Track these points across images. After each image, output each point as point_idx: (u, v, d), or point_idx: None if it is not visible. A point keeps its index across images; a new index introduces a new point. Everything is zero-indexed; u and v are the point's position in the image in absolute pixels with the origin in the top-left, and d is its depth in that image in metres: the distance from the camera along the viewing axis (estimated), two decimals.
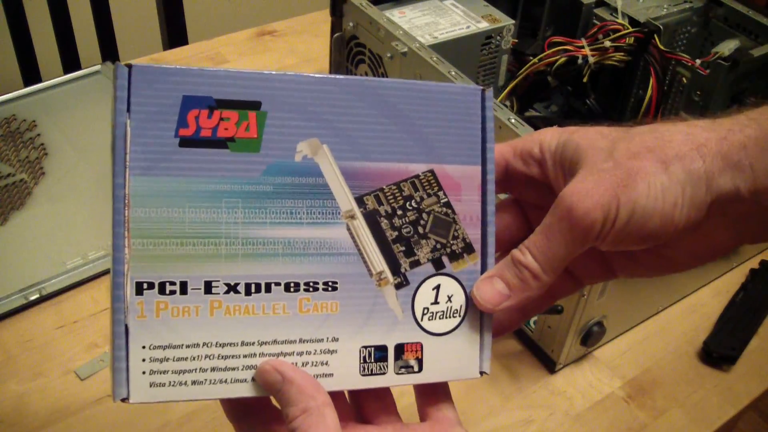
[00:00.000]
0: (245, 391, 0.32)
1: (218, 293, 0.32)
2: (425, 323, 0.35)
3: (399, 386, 0.35)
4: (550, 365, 0.59)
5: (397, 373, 0.35)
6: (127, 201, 0.31)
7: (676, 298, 0.66)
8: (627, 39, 0.65)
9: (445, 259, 0.35)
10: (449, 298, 0.35)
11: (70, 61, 1.15)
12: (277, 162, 0.33)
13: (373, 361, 0.34)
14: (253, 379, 0.32)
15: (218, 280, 0.32)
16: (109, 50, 1.16)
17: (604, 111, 0.69)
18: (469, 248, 0.36)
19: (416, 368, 0.35)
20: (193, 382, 0.32)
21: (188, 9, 1.14)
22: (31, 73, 1.13)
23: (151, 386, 0.31)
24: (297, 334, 0.33)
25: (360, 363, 0.34)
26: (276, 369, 0.32)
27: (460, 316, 0.36)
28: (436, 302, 0.35)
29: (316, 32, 0.97)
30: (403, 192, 0.35)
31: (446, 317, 0.35)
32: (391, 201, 0.35)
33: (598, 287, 0.54)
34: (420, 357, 0.35)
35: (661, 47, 0.63)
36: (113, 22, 1.15)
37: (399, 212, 0.35)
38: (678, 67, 0.65)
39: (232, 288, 0.32)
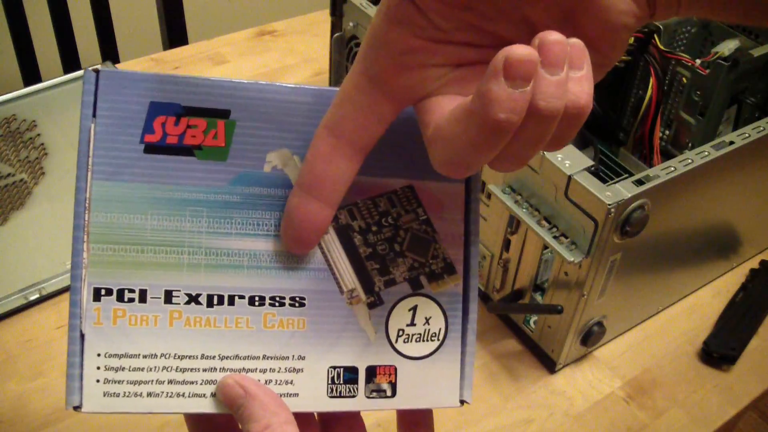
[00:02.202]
0: (204, 406, 0.31)
1: (179, 303, 0.31)
2: (400, 346, 0.33)
3: (370, 411, 0.33)
4: (550, 365, 0.59)
5: (368, 397, 0.33)
6: (87, 205, 0.30)
7: (676, 298, 0.66)
8: None
9: (423, 279, 0.34)
10: (427, 321, 0.34)
11: (70, 61, 1.15)
12: (246, 172, 0.32)
13: (342, 382, 0.33)
14: (212, 395, 0.31)
15: (179, 290, 0.31)
16: (109, 50, 1.16)
17: (604, 111, 0.69)
18: (450, 269, 0.34)
19: (389, 393, 0.33)
20: (149, 394, 0.31)
21: (188, 9, 1.14)
22: (31, 73, 1.13)
23: (104, 396, 0.30)
24: (261, 350, 0.32)
25: (328, 384, 0.33)
26: (239, 383, 0.31)
27: (438, 340, 0.34)
28: (412, 324, 0.34)
29: (316, 32, 0.97)
30: (378, 207, 0.33)
31: (423, 340, 0.34)
32: (365, 216, 0.33)
33: (598, 287, 0.54)
34: (393, 381, 0.33)
35: (661, 47, 0.63)
36: (113, 22, 1.15)
37: (374, 228, 0.33)
38: (678, 67, 0.65)
39: (193, 299, 0.31)
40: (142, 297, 0.31)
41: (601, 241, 0.50)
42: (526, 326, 0.60)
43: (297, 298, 0.32)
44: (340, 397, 0.33)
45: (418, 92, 0.29)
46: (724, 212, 0.62)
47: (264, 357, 0.32)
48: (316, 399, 0.33)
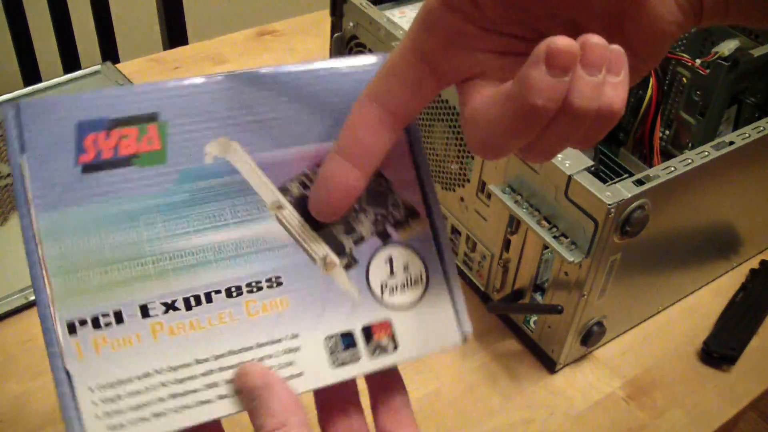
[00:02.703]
0: (214, 411, 0.30)
1: (157, 315, 0.30)
2: (387, 299, 0.33)
3: (378, 371, 0.33)
4: (550, 365, 0.59)
5: (372, 357, 0.33)
6: (38, 240, 0.30)
7: (676, 298, 0.66)
8: None
9: (389, 228, 0.34)
10: (406, 268, 0.34)
11: (70, 61, 1.15)
12: (188, 168, 0.31)
13: (342, 349, 0.32)
14: (219, 397, 0.31)
15: (154, 301, 0.30)
16: (109, 50, 1.16)
17: None
18: (412, 213, 0.34)
19: (391, 347, 0.33)
20: (155, 415, 0.30)
21: (188, 9, 1.14)
22: (31, 73, 1.13)
23: (109, 430, 0.29)
24: (252, 339, 0.31)
25: (328, 355, 0.32)
26: (261, 374, 0.30)
27: (422, 283, 0.34)
28: (392, 275, 0.34)
29: (316, 32, 0.97)
30: None
31: (408, 288, 0.34)
32: None
33: (598, 287, 0.54)
34: (392, 335, 0.33)
35: None
36: (113, 22, 1.15)
37: None
38: (678, 67, 0.65)
39: (170, 306, 0.31)
40: (119, 318, 0.30)
41: (601, 241, 0.50)
42: (526, 326, 0.60)
43: (273, 279, 0.32)
44: (345, 364, 0.33)
45: (462, 73, 0.30)
46: (724, 212, 0.62)
47: (257, 345, 0.32)
48: (321, 373, 0.32)
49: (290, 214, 0.33)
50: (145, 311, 0.30)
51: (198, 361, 0.31)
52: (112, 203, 0.31)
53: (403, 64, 0.31)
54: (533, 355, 0.60)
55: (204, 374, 0.31)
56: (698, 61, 0.63)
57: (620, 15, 0.28)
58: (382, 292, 0.34)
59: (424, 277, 0.34)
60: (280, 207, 0.33)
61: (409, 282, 0.34)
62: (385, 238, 0.34)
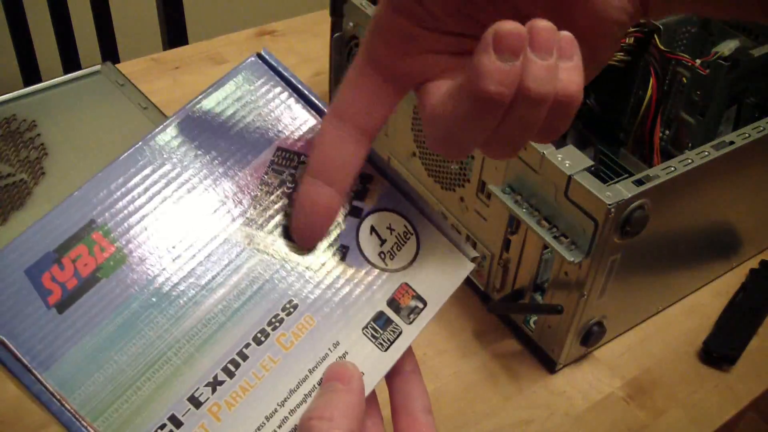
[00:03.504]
0: None
1: (208, 398, 0.30)
2: (391, 264, 0.34)
3: (422, 330, 0.33)
4: (550, 365, 0.59)
5: (411, 323, 0.33)
6: (59, 397, 0.28)
7: (676, 298, 0.66)
8: (627, 39, 0.65)
9: (356, 203, 0.34)
10: (390, 228, 0.34)
11: (70, 61, 1.15)
12: (150, 253, 0.31)
13: (382, 331, 0.33)
14: None
15: (197, 387, 0.30)
16: (109, 50, 1.16)
17: (604, 111, 0.69)
18: (366, 178, 0.35)
19: (421, 305, 0.34)
20: None
21: (188, 9, 1.14)
22: (31, 73, 1.13)
23: None
24: (302, 368, 0.31)
25: (374, 343, 0.33)
26: (358, 377, 0.31)
27: (413, 233, 0.35)
28: (383, 241, 0.34)
29: (316, 32, 0.97)
30: (273, 184, 0.34)
31: (403, 245, 0.34)
32: (273, 200, 0.33)
33: (598, 287, 0.54)
34: (415, 293, 0.34)
35: (661, 47, 0.63)
36: (113, 22, 1.15)
37: (285, 201, 0.34)
38: (678, 67, 0.65)
39: (214, 383, 0.30)
40: (176, 422, 0.29)
41: (601, 241, 0.50)
42: (526, 326, 0.60)
43: (287, 305, 0.32)
44: (392, 343, 0.33)
45: (418, 77, 0.30)
46: (724, 212, 0.62)
47: (310, 371, 0.32)
48: (378, 362, 0.32)
49: (264, 239, 0.33)
50: (195, 401, 0.30)
51: (268, 417, 0.30)
52: (103, 325, 0.30)
53: (359, 76, 0.31)
54: (533, 355, 0.60)
55: (280, 426, 0.30)
56: (698, 61, 0.63)
57: (566, 3, 0.28)
58: (384, 261, 0.34)
59: (409, 227, 0.35)
60: (250, 241, 0.32)
61: (401, 239, 0.34)
62: (357, 214, 0.34)
